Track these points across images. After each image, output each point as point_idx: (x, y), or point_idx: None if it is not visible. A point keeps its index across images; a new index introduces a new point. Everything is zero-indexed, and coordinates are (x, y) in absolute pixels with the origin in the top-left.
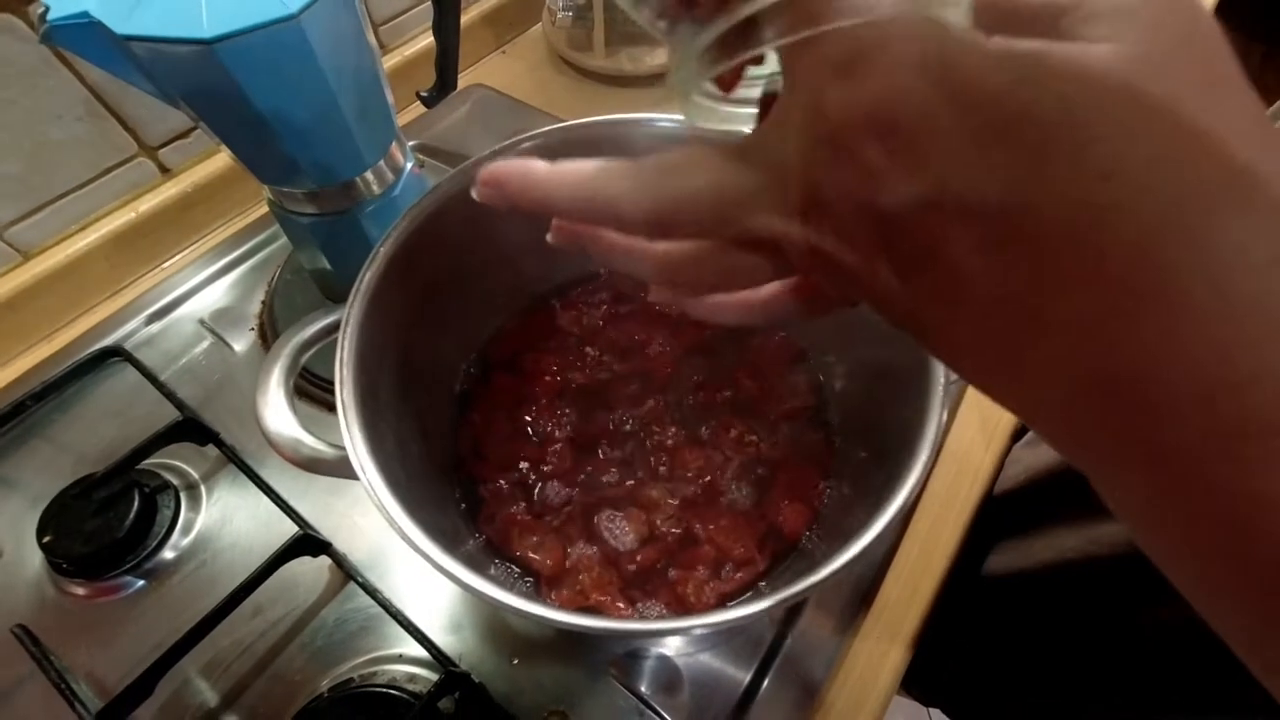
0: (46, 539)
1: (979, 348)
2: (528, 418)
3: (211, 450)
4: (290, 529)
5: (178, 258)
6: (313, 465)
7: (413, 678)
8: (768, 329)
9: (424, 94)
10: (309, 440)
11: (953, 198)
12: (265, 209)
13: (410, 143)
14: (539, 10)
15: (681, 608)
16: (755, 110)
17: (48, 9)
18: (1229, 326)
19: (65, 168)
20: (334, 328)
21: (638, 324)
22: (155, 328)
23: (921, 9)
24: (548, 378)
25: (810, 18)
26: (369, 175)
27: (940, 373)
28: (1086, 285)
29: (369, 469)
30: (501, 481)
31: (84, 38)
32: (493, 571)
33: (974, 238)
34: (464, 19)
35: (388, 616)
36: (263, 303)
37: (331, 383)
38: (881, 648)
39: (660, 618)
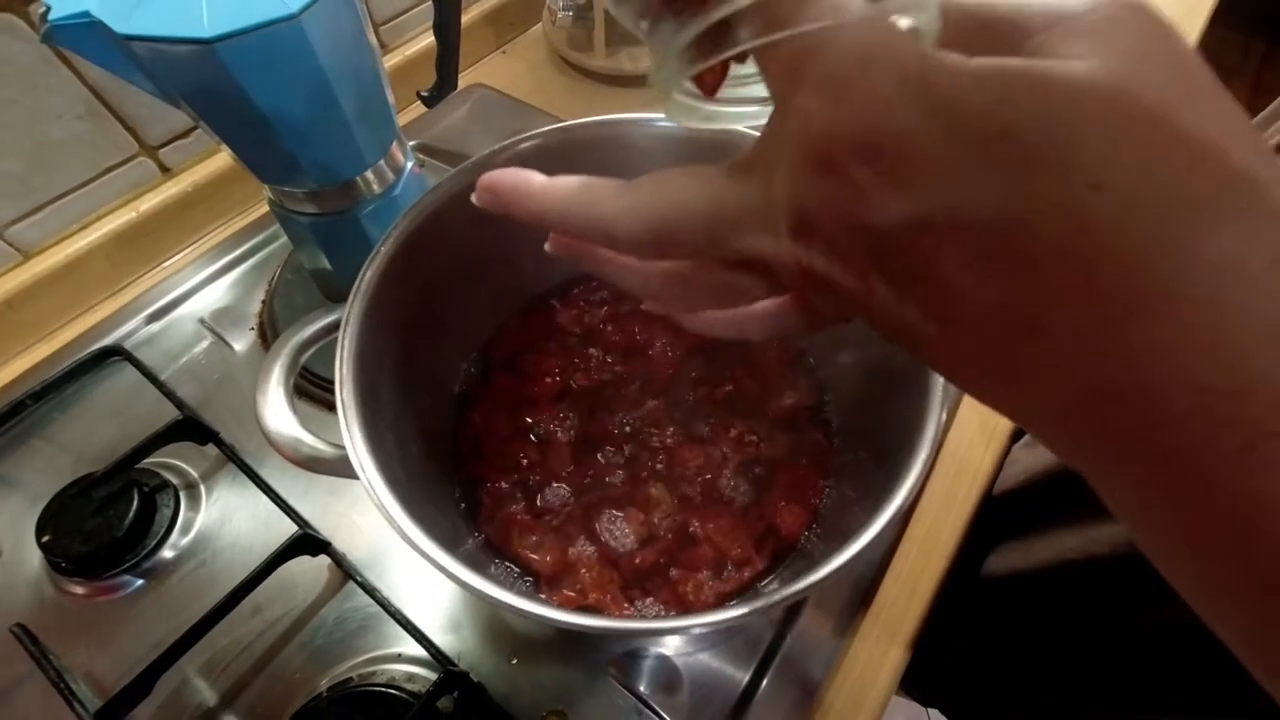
0: (46, 538)
1: (974, 360)
2: (528, 418)
3: (211, 449)
4: (289, 528)
5: (178, 257)
6: (312, 464)
7: (412, 677)
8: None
9: (424, 94)
10: (309, 439)
11: (943, 214)
12: (265, 208)
13: (411, 142)
14: (539, 10)
15: (681, 607)
16: (740, 110)
17: (49, 8)
18: (1223, 334)
19: (66, 167)
20: (334, 327)
21: (639, 324)
22: (155, 327)
23: (890, 11)
24: (548, 378)
25: (781, 20)
26: (369, 175)
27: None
28: (1079, 297)
29: (368, 468)
30: (501, 481)
31: (85, 37)
32: (492, 571)
33: (966, 253)
34: (464, 19)
35: (387, 616)
36: (263, 302)
37: (331, 382)
38: (881, 648)
39: (659, 617)
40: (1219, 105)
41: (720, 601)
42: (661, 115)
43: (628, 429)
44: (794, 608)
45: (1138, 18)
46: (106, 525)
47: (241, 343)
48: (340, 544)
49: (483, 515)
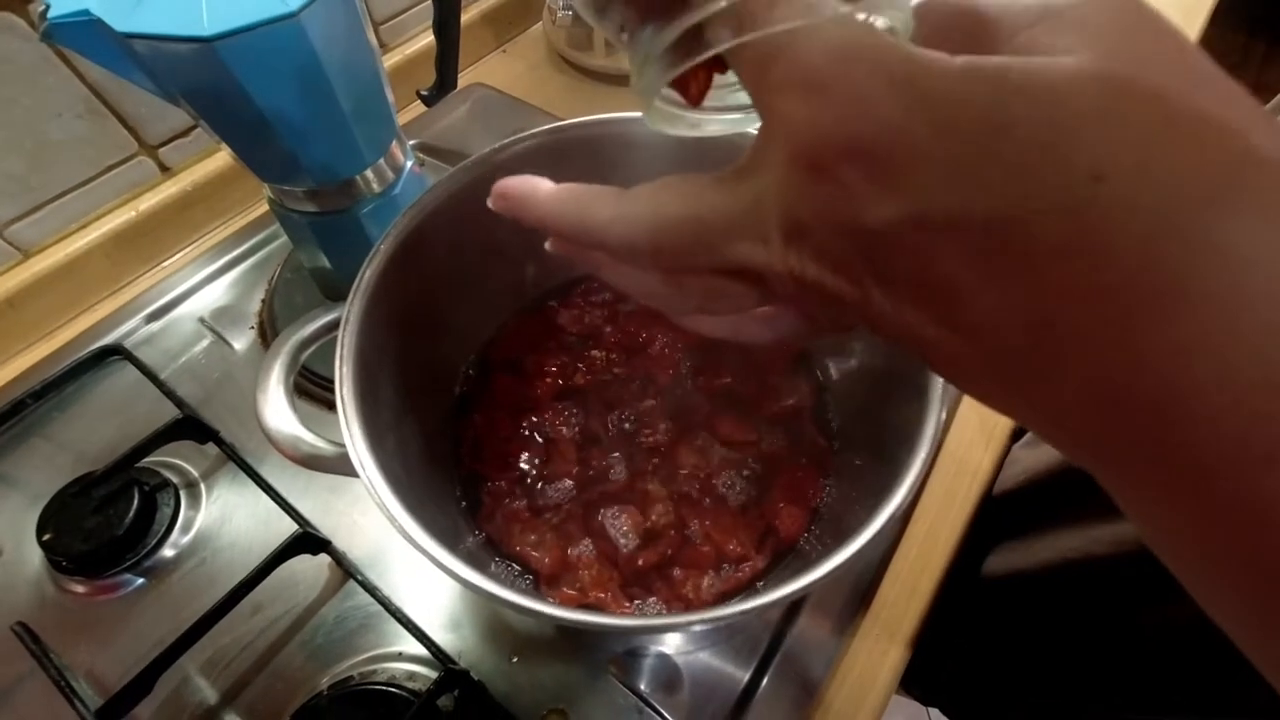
0: (46, 537)
1: (975, 361)
2: (528, 417)
3: (211, 448)
4: (290, 527)
5: (178, 256)
6: (312, 462)
7: (412, 675)
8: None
9: (424, 93)
10: (309, 437)
11: (940, 213)
12: (265, 207)
13: (410, 141)
14: (539, 9)
15: (680, 605)
16: (726, 117)
17: (48, 7)
18: (1234, 331)
19: (65, 166)
20: (334, 326)
21: (639, 323)
22: (155, 326)
23: (863, 10)
24: (548, 377)
25: (754, 21)
26: (369, 173)
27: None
28: (1083, 295)
29: (369, 466)
30: (502, 480)
31: (84, 36)
32: (493, 569)
33: (964, 253)
34: (464, 18)
35: (387, 614)
36: (262, 301)
37: (331, 381)
38: (880, 647)
39: (659, 615)
40: (1218, 86)
41: (720, 600)
42: None
43: (628, 428)
44: (794, 607)
45: (1125, 8)
46: (107, 524)
47: (241, 342)
48: (340, 542)
49: (483, 513)
